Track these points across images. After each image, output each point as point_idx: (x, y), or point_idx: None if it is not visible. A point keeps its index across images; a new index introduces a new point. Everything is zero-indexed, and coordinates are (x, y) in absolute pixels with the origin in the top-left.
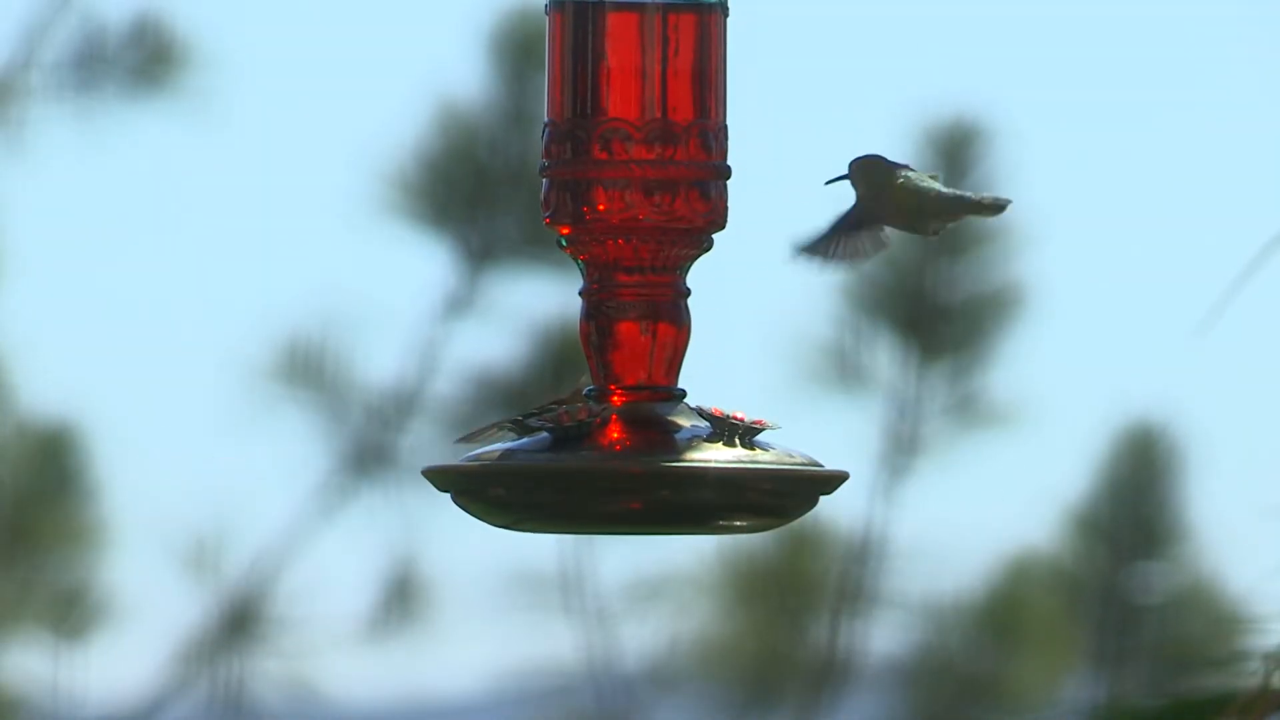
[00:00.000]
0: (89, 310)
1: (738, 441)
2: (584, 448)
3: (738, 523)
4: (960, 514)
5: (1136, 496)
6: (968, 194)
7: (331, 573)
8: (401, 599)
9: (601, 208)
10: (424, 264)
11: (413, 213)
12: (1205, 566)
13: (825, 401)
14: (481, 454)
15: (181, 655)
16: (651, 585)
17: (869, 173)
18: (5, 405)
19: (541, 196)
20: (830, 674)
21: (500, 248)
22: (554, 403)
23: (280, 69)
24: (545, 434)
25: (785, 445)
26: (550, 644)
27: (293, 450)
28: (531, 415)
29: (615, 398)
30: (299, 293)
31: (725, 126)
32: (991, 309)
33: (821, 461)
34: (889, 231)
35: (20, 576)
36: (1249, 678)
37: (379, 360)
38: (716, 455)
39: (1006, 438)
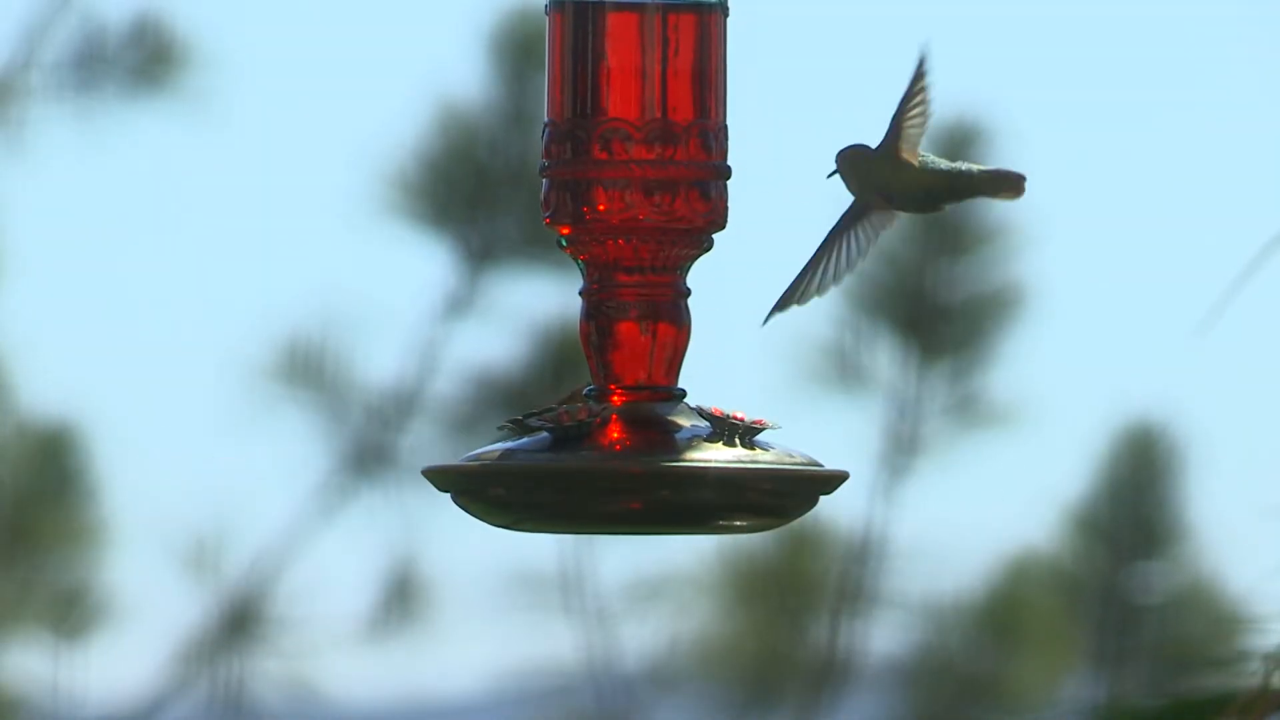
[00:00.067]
0: (89, 310)
1: (738, 441)
2: (584, 448)
3: (738, 523)
4: (960, 514)
5: (1136, 496)
6: (969, 171)
7: (331, 573)
8: (401, 599)
9: (601, 208)
10: (424, 264)
11: (413, 213)
12: (1205, 566)
13: (825, 401)
14: (481, 454)
15: (181, 655)
16: (651, 585)
17: (856, 165)
18: (5, 405)
19: (541, 196)
20: (830, 674)
21: (500, 248)
22: (554, 405)
23: (280, 69)
24: (545, 434)
25: (785, 445)
26: (550, 644)
27: (293, 450)
28: (531, 415)
29: (615, 398)
30: (299, 293)
31: (725, 126)
32: (991, 309)
33: (821, 461)
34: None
35: (20, 576)
36: (1249, 678)
37: (379, 360)
38: (716, 455)
39: (1006, 438)
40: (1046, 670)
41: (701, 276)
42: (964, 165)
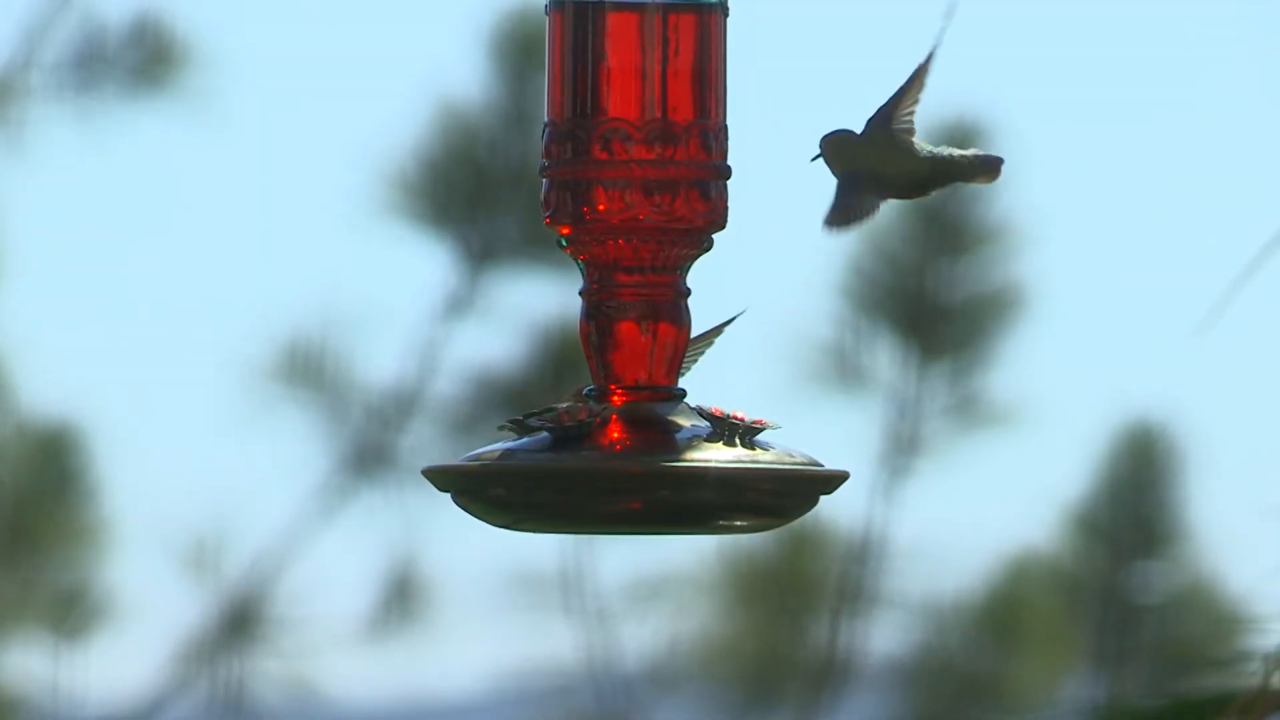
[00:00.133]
0: (89, 310)
1: (738, 441)
2: (584, 448)
3: (738, 523)
4: (960, 514)
5: (1136, 496)
6: (956, 157)
7: (331, 573)
8: (401, 599)
9: (601, 208)
10: (424, 264)
11: (413, 213)
12: (1205, 566)
13: (825, 401)
14: (481, 454)
15: (181, 655)
16: (651, 585)
17: (840, 149)
18: (5, 405)
19: (541, 196)
20: (830, 674)
21: (500, 248)
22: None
23: (280, 69)
24: (545, 434)
25: (785, 445)
26: (550, 644)
27: (293, 450)
28: (532, 415)
29: (615, 398)
30: (299, 293)
31: (725, 126)
32: (991, 309)
33: (821, 461)
34: (877, 198)
35: (20, 576)
36: (1249, 678)
37: (379, 360)
38: (716, 455)
39: (1006, 438)
40: (1046, 670)
41: (701, 276)
42: (945, 150)
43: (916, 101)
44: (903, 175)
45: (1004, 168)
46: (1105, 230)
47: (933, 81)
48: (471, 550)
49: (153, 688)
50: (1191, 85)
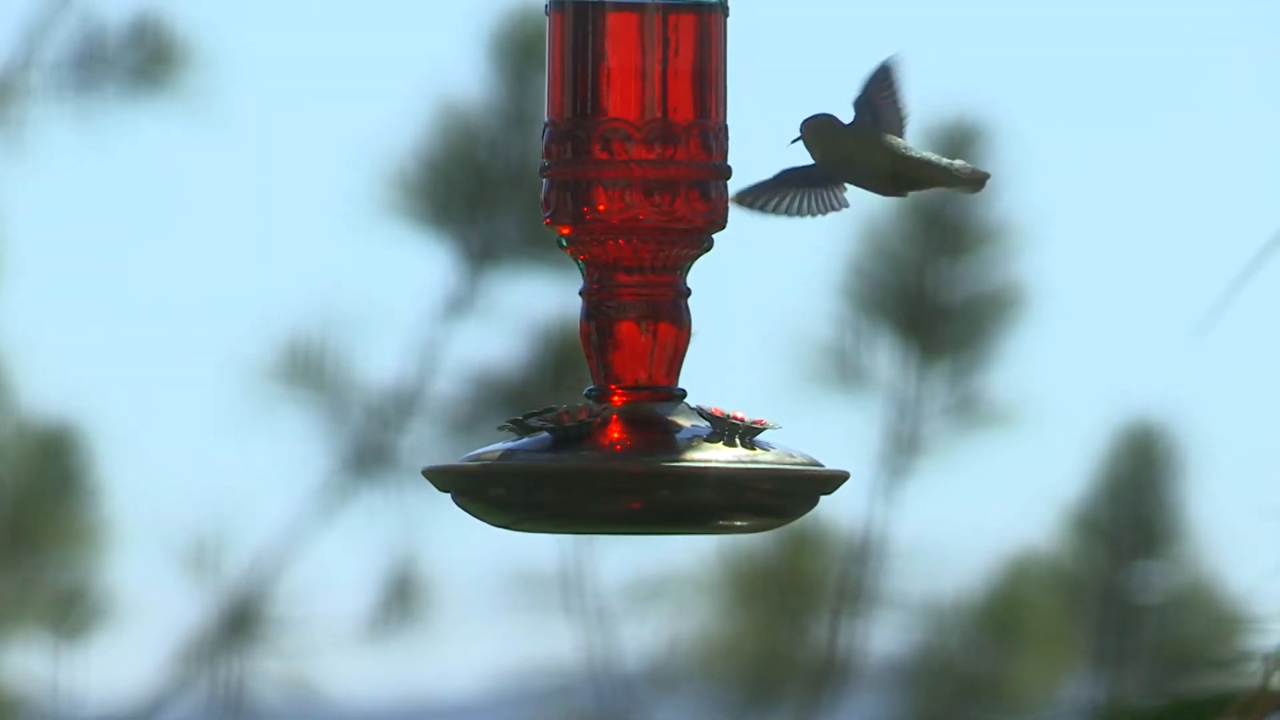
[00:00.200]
0: (89, 310)
1: (738, 441)
2: (584, 448)
3: (738, 523)
4: (960, 514)
5: (1136, 496)
6: (942, 163)
7: (331, 573)
8: (401, 599)
9: (601, 208)
10: (424, 264)
11: (413, 213)
12: (1205, 566)
13: (825, 401)
14: (481, 454)
15: (181, 655)
16: (651, 585)
17: (820, 134)
18: (5, 405)
19: (541, 196)
20: (830, 674)
21: (500, 248)
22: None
23: (280, 69)
24: (545, 434)
25: (785, 445)
26: (550, 644)
27: (293, 450)
28: (532, 415)
29: (615, 398)
30: (299, 293)
31: (725, 126)
32: (991, 309)
33: (821, 461)
34: (850, 191)
35: (20, 576)
36: (1249, 678)
37: (379, 360)
38: (716, 455)
39: (1006, 438)
40: (1046, 670)
41: (701, 276)
42: (932, 156)
43: (900, 107)
44: (880, 170)
45: (989, 182)
46: (1105, 230)
47: (933, 81)
48: (471, 550)
49: (153, 688)
50: (1191, 85)
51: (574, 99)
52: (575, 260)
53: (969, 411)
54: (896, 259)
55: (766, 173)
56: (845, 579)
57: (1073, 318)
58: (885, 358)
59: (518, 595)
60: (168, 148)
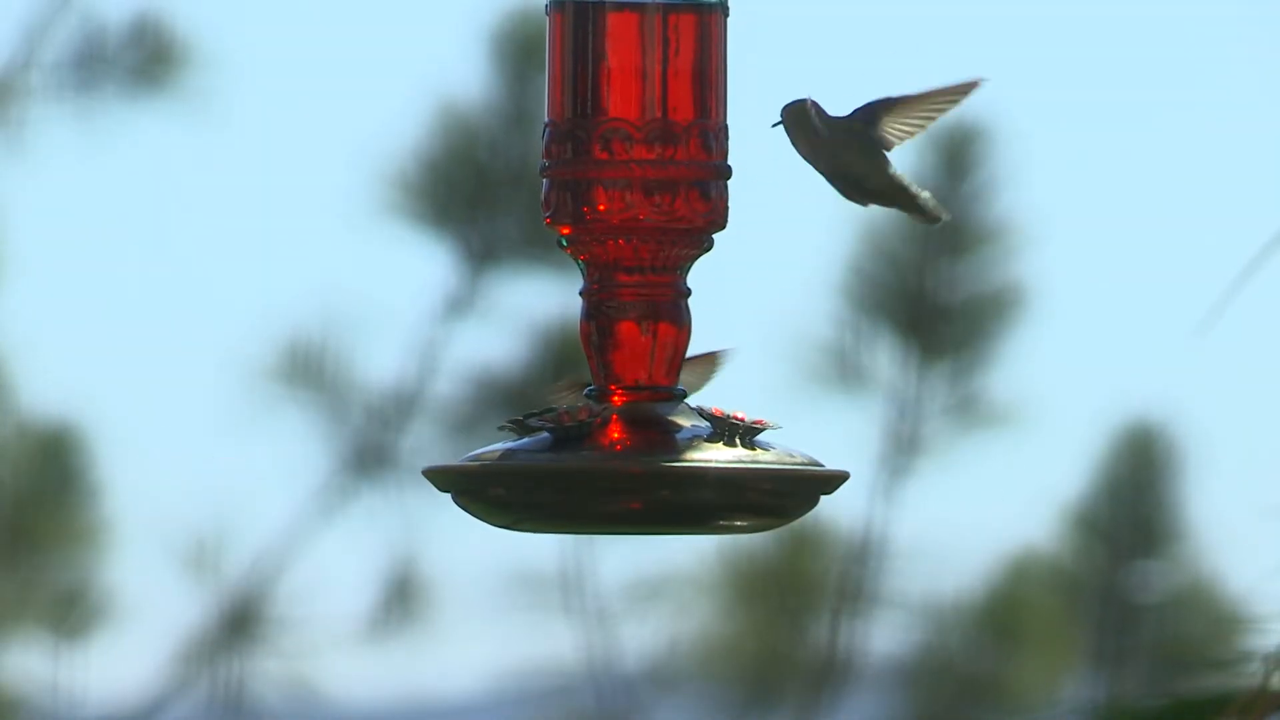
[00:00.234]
0: (89, 310)
1: (738, 441)
2: (584, 448)
3: (738, 523)
4: (960, 514)
5: (1136, 496)
6: (912, 189)
7: (331, 573)
8: (401, 599)
9: (602, 208)
10: (424, 264)
11: (413, 213)
12: (1205, 566)
13: (825, 401)
14: (481, 454)
15: (181, 655)
16: (651, 585)
17: (797, 121)
18: (5, 405)
19: (542, 196)
20: (830, 674)
21: (501, 248)
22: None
23: (280, 69)
24: (545, 434)
25: (785, 445)
26: (550, 644)
27: (293, 450)
28: (532, 415)
29: (615, 398)
30: (299, 293)
31: (725, 126)
32: (991, 309)
33: (822, 461)
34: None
35: (20, 576)
36: (1249, 678)
37: (379, 360)
38: (716, 455)
39: (1006, 438)
40: (1046, 670)
41: (701, 276)
42: (903, 177)
43: (926, 121)
44: (848, 174)
45: (943, 222)
46: (1105, 230)
47: (933, 82)
48: (471, 550)
49: (153, 688)
50: (1191, 85)
51: (574, 99)
52: (575, 260)
53: (969, 411)
54: (896, 259)
55: (766, 172)
56: (845, 579)
57: (1073, 318)
58: (885, 358)
59: (518, 595)
60: (168, 148)
